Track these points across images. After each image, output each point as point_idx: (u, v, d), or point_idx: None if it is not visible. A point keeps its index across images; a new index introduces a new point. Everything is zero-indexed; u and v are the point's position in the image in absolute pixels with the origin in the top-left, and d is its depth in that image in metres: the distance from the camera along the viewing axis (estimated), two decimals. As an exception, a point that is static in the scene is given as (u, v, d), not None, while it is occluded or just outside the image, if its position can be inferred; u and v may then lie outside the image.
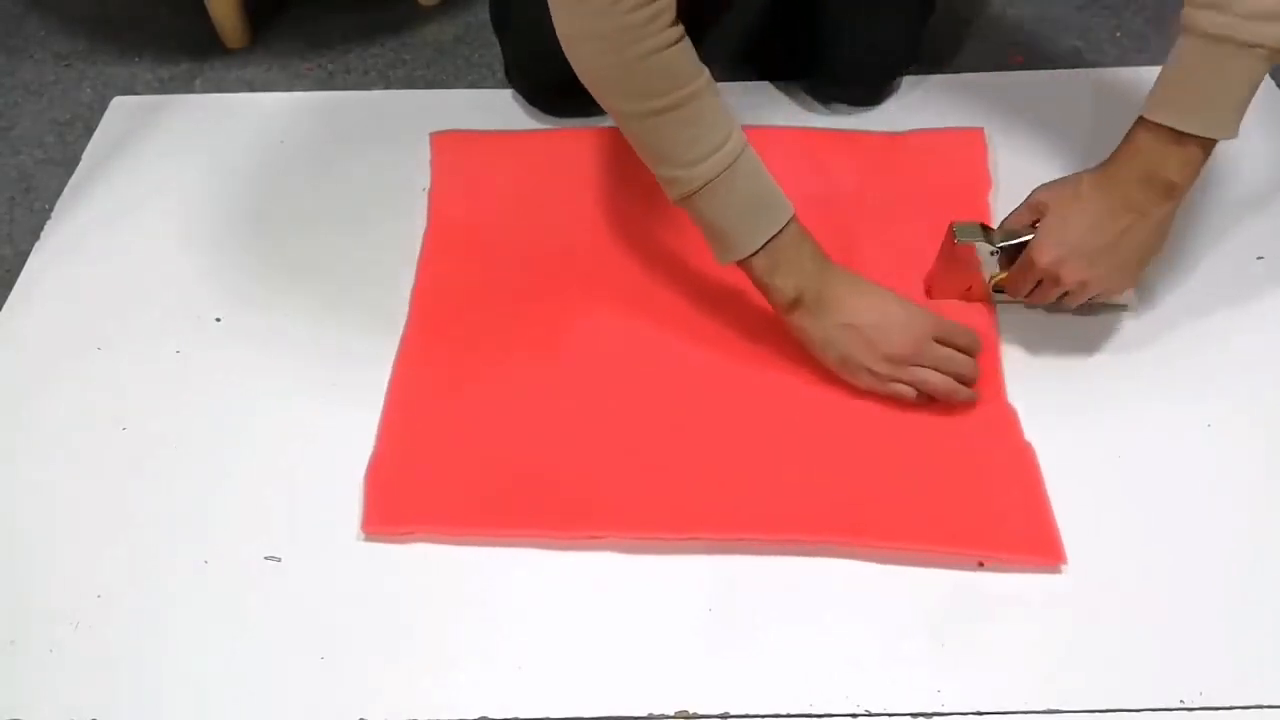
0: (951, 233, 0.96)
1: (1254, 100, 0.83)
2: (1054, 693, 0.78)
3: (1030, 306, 0.98)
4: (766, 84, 1.24)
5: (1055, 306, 0.96)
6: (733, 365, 0.97)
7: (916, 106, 1.20)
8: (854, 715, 0.78)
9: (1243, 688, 0.78)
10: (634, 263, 1.06)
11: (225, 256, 1.10)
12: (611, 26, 0.83)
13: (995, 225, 0.97)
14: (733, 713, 0.79)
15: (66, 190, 1.17)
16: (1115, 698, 0.78)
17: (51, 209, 1.15)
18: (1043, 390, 0.95)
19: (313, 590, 0.86)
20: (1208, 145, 0.84)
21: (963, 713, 0.78)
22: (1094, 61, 1.26)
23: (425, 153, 1.18)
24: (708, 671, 0.80)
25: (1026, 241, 0.92)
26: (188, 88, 1.30)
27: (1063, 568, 0.84)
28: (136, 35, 1.36)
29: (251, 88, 1.30)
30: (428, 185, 1.15)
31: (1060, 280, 0.90)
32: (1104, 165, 0.89)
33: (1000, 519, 0.86)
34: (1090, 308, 0.97)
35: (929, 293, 1.01)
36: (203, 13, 1.32)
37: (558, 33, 0.86)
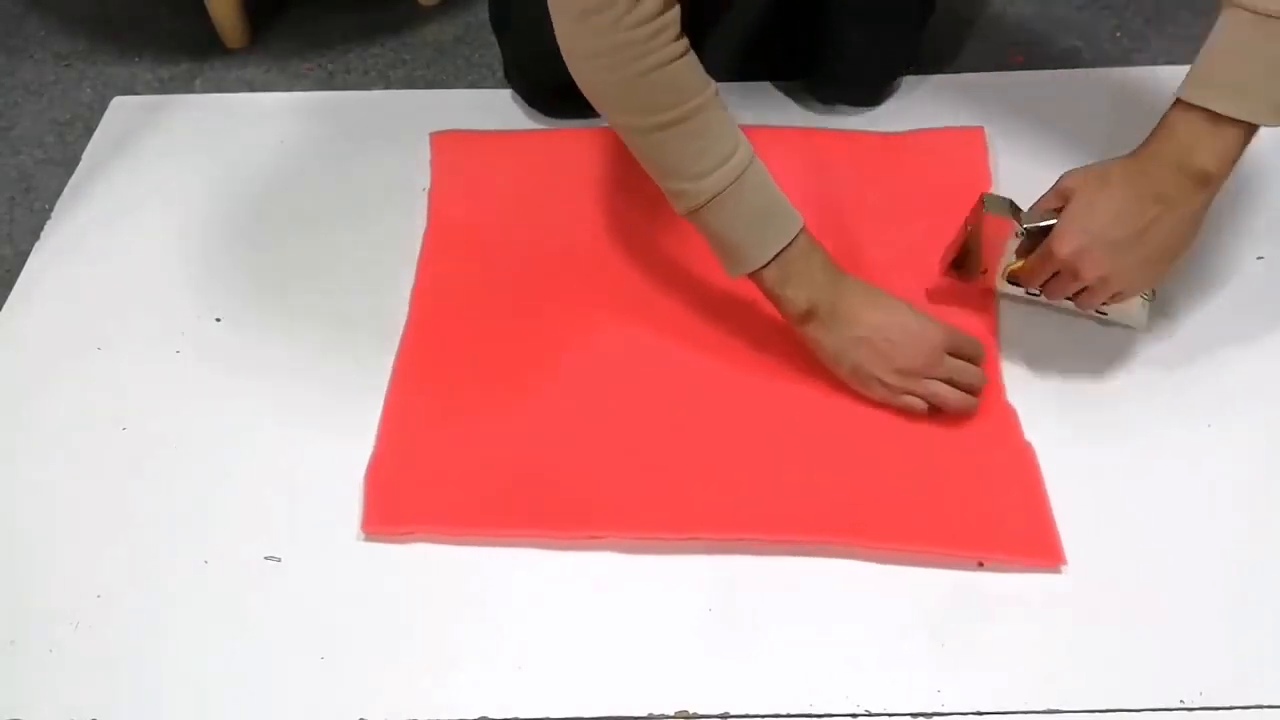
0: (981, 203, 0.91)
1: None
2: (1054, 693, 0.78)
3: (1035, 302, 0.96)
4: (767, 84, 1.23)
5: (1070, 310, 0.94)
6: (732, 365, 0.97)
7: (916, 106, 1.20)
8: (854, 715, 0.78)
9: (1243, 688, 0.78)
10: (634, 263, 1.06)
11: (225, 256, 1.10)
12: (614, 43, 0.82)
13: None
14: (733, 713, 0.79)
15: (66, 190, 1.17)
16: (1115, 698, 0.78)
17: (51, 209, 1.15)
18: (1043, 390, 0.95)
19: (313, 590, 0.86)
20: (1248, 132, 0.79)
21: (963, 713, 0.78)
22: (1094, 61, 1.26)
23: (425, 153, 1.18)
24: (708, 671, 0.80)
25: (1051, 227, 0.87)
26: (188, 88, 1.30)
27: (1063, 568, 0.84)
28: (136, 35, 1.36)
29: (251, 88, 1.30)
30: (428, 185, 1.15)
31: (1079, 273, 0.85)
32: (1136, 151, 0.84)
33: (1000, 520, 0.86)
34: (1100, 322, 0.96)
35: (941, 270, 0.98)
36: (203, 13, 1.32)
37: (561, 49, 0.85)
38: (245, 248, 1.11)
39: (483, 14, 1.26)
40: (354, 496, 0.90)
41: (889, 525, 0.86)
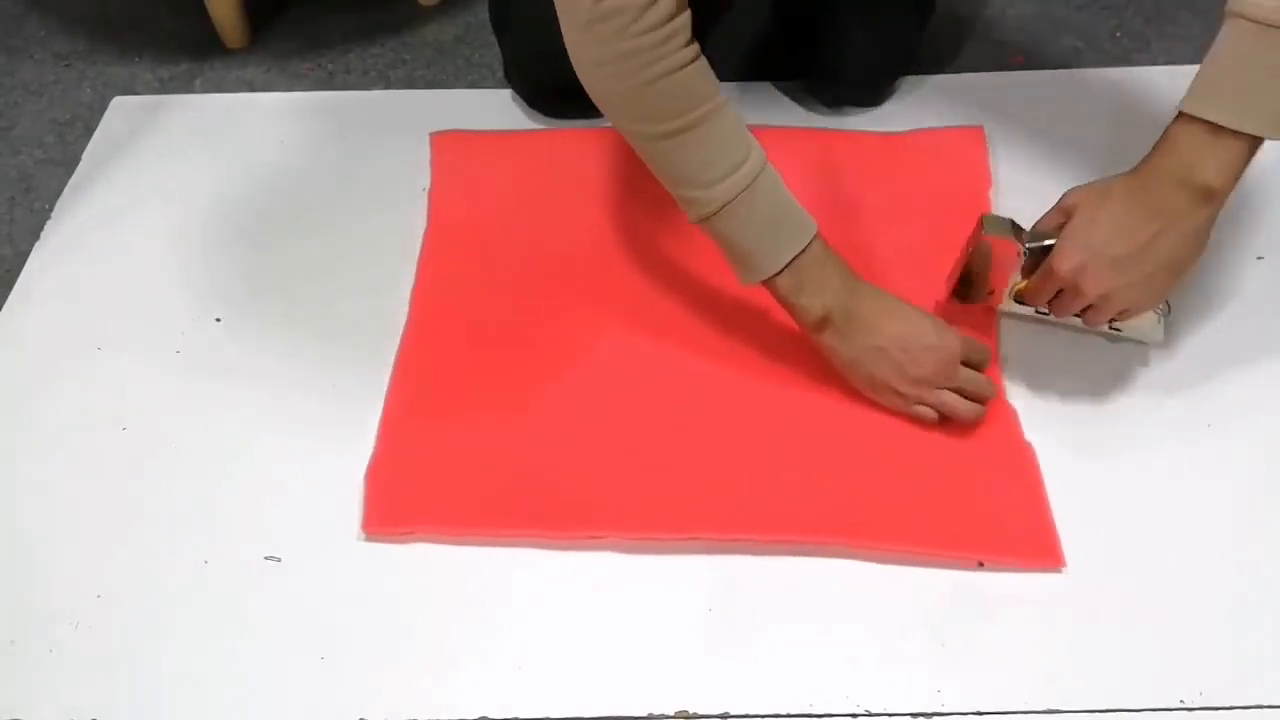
0: (980, 225, 0.91)
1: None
2: (1054, 693, 0.78)
3: (1046, 321, 0.95)
4: (767, 84, 1.23)
5: (1080, 328, 0.92)
6: (732, 365, 0.97)
7: (916, 106, 1.20)
8: (854, 715, 0.78)
9: (1243, 688, 0.78)
10: (634, 263, 1.06)
11: (225, 256, 1.10)
12: (621, 51, 0.80)
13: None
14: (733, 713, 0.79)
15: (66, 190, 1.17)
16: (1115, 698, 0.78)
17: (51, 209, 1.15)
18: (1042, 391, 0.95)
19: (313, 590, 0.86)
20: (1252, 145, 0.78)
21: (963, 713, 0.78)
22: (1094, 61, 1.26)
23: (425, 153, 1.18)
24: (708, 671, 0.80)
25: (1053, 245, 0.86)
26: (188, 88, 1.30)
27: (1062, 569, 0.84)
28: (136, 35, 1.36)
29: (251, 88, 1.30)
30: (428, 185, 1.15)
31: (1081, 290, 0.84)
32: (1138, 165, 0.82)
33: (1000, 520, 0.86)
34: (1112, 339, 0.95)
35: (948, 299, 0.97)
36: (203, 13, 1.32)
37: (570, 57, 0.84)
38: (245, 248, 1.11)
39: (483, 14, 1.26)
40: (354, 496, 0.90)
41: (889, 525, 0.86)
